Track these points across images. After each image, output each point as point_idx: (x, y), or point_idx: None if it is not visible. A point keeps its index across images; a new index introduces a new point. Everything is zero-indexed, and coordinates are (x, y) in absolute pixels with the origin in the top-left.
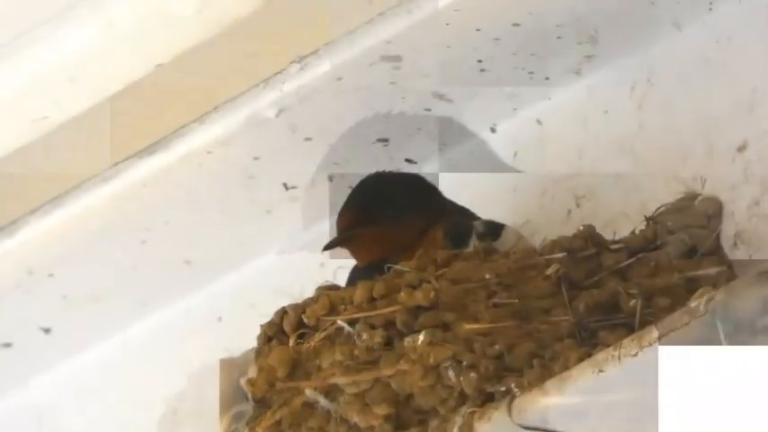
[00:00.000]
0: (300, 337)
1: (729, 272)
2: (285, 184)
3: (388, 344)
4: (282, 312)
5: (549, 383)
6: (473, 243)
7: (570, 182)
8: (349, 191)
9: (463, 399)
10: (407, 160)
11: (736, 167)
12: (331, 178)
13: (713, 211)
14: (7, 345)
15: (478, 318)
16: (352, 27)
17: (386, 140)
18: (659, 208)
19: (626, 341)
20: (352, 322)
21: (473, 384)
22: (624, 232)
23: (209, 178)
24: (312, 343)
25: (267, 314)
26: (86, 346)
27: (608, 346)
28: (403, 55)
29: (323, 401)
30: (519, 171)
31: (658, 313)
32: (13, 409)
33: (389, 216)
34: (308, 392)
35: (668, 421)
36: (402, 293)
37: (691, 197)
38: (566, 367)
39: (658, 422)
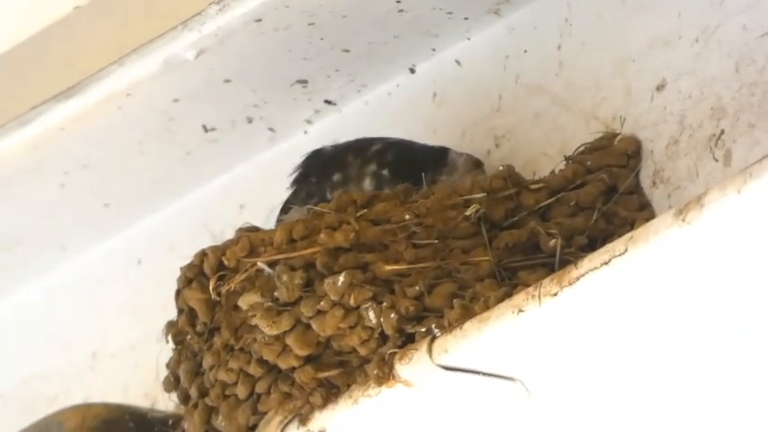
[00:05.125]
0: (220, 279)
1: (648, 211)
2: (204, 126)
3: (308, 285)
4: (202, 254)
5: (469, 324)
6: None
7: (490, 122)
8: None
9: (384, 340)
10: (327, 101)
11: (654, 106)
12: (250, 120)
13: (632, 151)
14: None
15: (398, 259)
16: None
17: (305, 82)
18: (579, 147)
19: (546, 281)
20: (272, 264)
21: (393, 325)
22: (544, 172)
23: (128, 121)
24: (232, 285)
25: (187, 256)
26: (5, 290)
27: (528, 287)
28: None
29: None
30: (438, 112)
31: (578, 253)
32: None
33: None
34: (228, 334)
35: (588, 360)
36: (322, 235)
37: (610, 136)
38: (486, 308)
39: (579, 361)
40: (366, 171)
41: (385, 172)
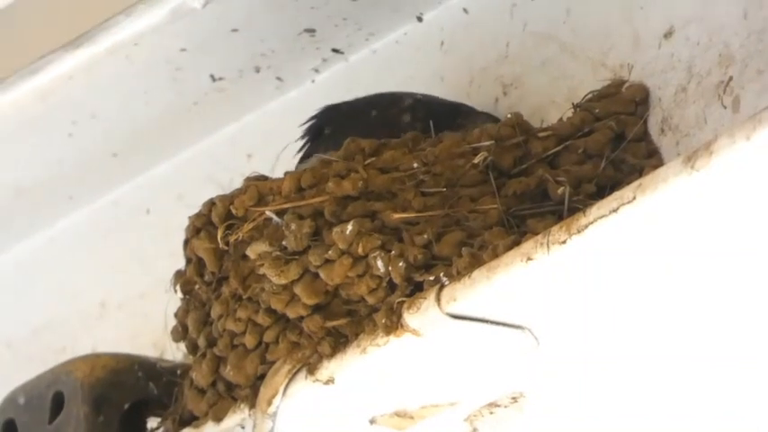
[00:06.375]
0: (229, 228)
1: (656, 158)
2: (212, 76)
3: (316, 234)
4: (210, 204)
5: (478, 272)
6: None
7: (497, 70)
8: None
9: (392, 288)
10: (334, 50)
11: (662, 54)
12: (258, 69)
13: (640, 98)
14: None
15: (407, 207)
16: None
17: (312, 31)
18: (586, 95)
19: (554, 229)
20: (280, 213)
21: (402, 274)
22: (552, 120)
23: (135, 70)
24: (240, 234)
25: (195, 206)
26: (14, 239)
27: (536, 234)
28: None
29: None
30: (446, 60)
31: (587, 200)
32: None
33: None
34: (236, 283)
35: (597, 308)
36: (330, 183)
37: (618, 84)
38: (494, 256)
39: (588, 309)
40: None
41: None
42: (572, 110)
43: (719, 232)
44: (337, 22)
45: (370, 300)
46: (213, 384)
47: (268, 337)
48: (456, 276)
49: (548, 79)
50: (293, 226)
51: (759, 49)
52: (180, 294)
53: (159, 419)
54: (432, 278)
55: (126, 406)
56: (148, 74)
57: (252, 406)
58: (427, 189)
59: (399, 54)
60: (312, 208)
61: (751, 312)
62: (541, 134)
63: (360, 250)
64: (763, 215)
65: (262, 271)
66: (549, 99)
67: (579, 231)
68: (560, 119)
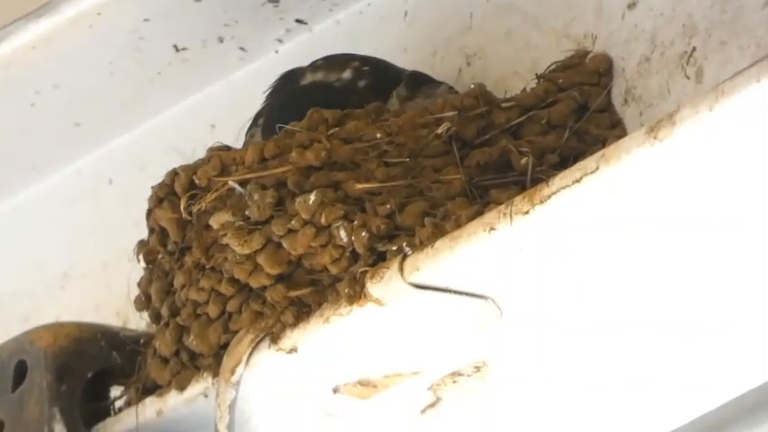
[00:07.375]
0: (192, 198)
1: (620, 129)
2: (175, 46)
3: (279, 204)
4: (173, 174)
5: (441, 242)
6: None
7: (461, 41)
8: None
9: (355, 258)
10: (298, 21)
11: (625, 24)
12: (221, 40)
13: (604, 69)
14: None
15: (370, 177)
16: None
17: (276, 1)
18: (550, 66)
19: (517, 199)
20: (243, 183)
21: (364, 244)
22: (515, 90)
23: (98, 40)
24: (203, 204)
25: (158, 176)
26: None
27: (499, 205)
28: None
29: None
30: (409, 30)
31: (550, 171)
32: None
33: None
34: (199, 253)
35: (560, 278)
36: (293, 153)
37: (581, 54)
38: (457, 226)
39: (551, 279)
40: None
41: None
42: (535, 80)
43: (682, 203)
44: None
45: (333, 269)
46: (176, 353)
47: (231, 306)
48: (419, 246)
49: (511, 50)
50: (256, 196)
51: (722, 19)
52: (143, 264)
53: (122, 388)
54: (395, 248)
55: (89, 375)
56: (111, 44)
57: (215, 375)
58: (390, 159)
59: (363, 24)
60: (275, 178)
61: (713, 282)
62: (505, 105)
63: (323, 220)
64: (725, 186)
65: (225, 241)
66: (513, 70)
67: (542, 202)
68: (524, 89)
